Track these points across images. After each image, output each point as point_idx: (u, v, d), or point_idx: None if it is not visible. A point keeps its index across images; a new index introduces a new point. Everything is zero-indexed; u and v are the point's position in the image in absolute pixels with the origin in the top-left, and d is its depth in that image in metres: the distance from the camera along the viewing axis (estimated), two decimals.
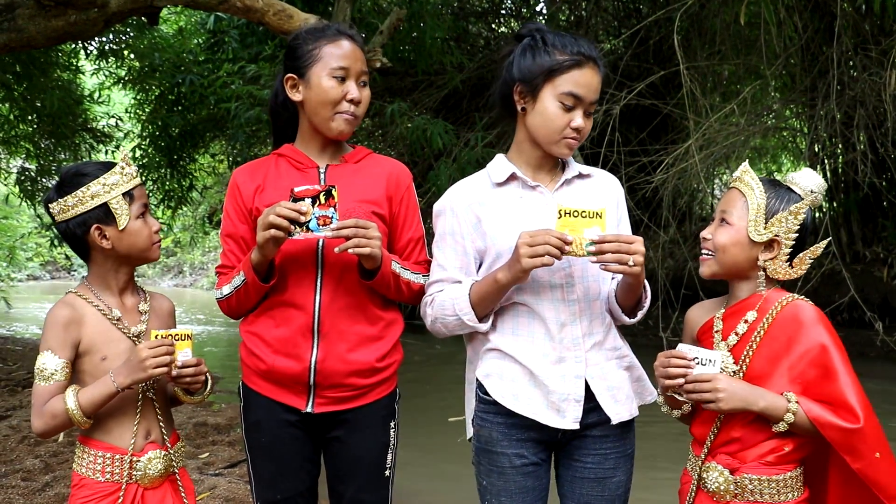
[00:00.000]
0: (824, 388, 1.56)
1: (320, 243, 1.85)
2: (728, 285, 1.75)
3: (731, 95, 8.32)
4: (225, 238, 1.98)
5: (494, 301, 1.77)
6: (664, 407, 1.77)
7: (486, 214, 1.82)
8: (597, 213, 1.62)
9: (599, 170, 1.96)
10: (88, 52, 8.49)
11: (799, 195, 1.66)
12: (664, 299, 7.38)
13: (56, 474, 3.86)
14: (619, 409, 1.80)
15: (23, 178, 9.46)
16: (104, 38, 8.36)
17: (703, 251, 1.72)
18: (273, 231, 1.72)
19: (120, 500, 1.72)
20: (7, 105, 8.63)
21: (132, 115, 10.19)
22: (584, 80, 1.74)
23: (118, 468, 1.73)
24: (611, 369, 1.81)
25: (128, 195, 1.75)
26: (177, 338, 1.73)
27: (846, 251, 8.55)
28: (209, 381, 1.86)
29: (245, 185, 1.94)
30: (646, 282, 1.82)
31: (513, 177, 1.84)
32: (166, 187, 10.13)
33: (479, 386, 1.82)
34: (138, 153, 9.75)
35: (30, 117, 8.87)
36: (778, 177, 1.96)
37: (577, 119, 1.75)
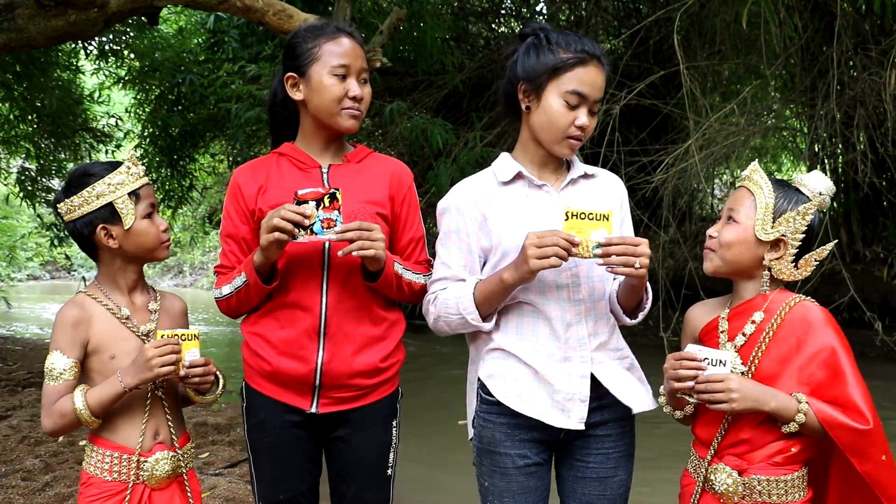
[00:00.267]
0: (833, 390, 1.56)
1: (326, 245, 1.85)
2: (730, 285, 1.74)
3: (731, 95, 8.32)
4: (225, 238, 1.97)
5: (499, 301, 1.77)
6: (666, 407, 1.77)
7: (492, 213, 1.81)
8: (603, 216, 1.62)
9: (603, 170, 1.96)
10: (88, 52, 8.49)
11: (807, 197, 1.66)
12: (664, 299, 7.37)
13: (56, 474, 3.86)
14: (636, 400, 1.80)
15: (23, 177, 9.46)
16: (104, 38, 8.35)
17: (708, 248, 1.72)
18: (277, 234, 1.71)
19: (127, 500, 1.72)
20: (7, 105, 8.62)
21: (132, 115, 10.19)
22: (588, 78, 1.74)
23: (125, 468, 1.73)
24: (615, 368, 1.81)
25: (134, 195, 1.75)
26: (184, 338, 1.73)
27: (846, 251, 8.55)
28: (220, 381, 1.86)
29: (247, 186, 1.93)
30: (648, 284, 1.82)
31: (519, 175, 1.84)
32: (166, 187, 10.12)
33: (482, 386, 1.82)
34: (138, 153, 9.75)
35: (30, 117, 8.86)
36: (781, 178, 1.96)
37: (582, 117, 1.75)
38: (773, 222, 1.64)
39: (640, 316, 1.86)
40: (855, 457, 1.53)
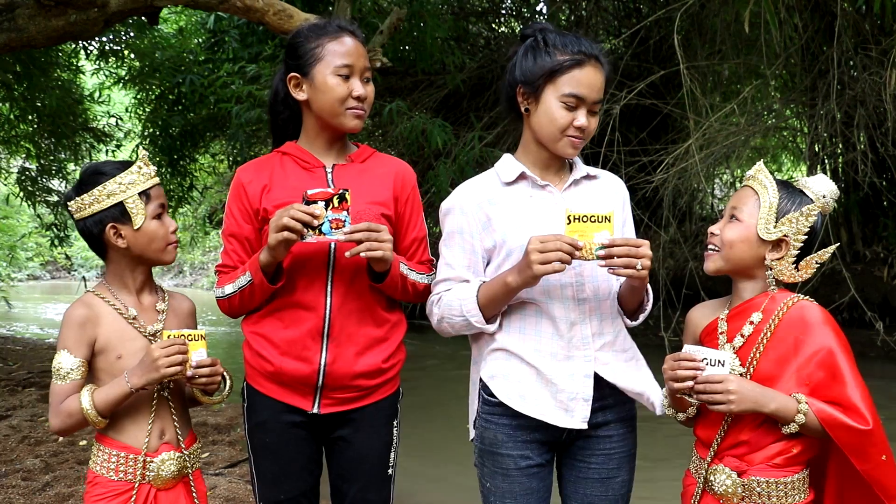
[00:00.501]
0: (832, 391, 1.56)
1: (332, 246, 1.85)
2: (731, 285, 1.74)
3: (731, 95, 8.32)
4: (227, 237, 1.96)
5: (503, 303, 1.77)
6: (669, 409, 1.76)
7: (496, 213, 1.81)
8: (605, 217, 1.62)
9: (605, 171, 1.96)
10: (89, 52, 8.49)
11: (811, 199, 1.66)
12: (665, 299, 7.37)
13: (56, 474, 3.86)
14: (647, 391, 1.80)
15: (23, 177, 9.46)
16: (104, 38, 8.35)
17: (709, 246, 1.72)
18: (286, 233, 1.71)
19: (132, 500, 1.72)
20: (7, 105, 8.62)
21: (132, 115, 10.19)
22: (585, 80, 1.73)
23: (132, 468, 1.73)
24: (622, 367, 1.81)
25: (144, 195, 1.76)
26: (191, 338, 1.73)
27: (846, 251, 8.54)
28: (227, 382, 1.86)
29: (251, 185, 1.92)
30: (648, 285, 1.82)
31: (522, 176, 1.84)
32: (166, 187, 10.12)
33: (484, 387, 1.82)
34: (139, 153, 9.73)
35: (30, 117, 8.86)
36: (781, 177, 1.96)
37: (580, 118, 1.75)
38: (776, 222, 1.64)
39: (641, 318, 1.86)
40: (855, 457, 1.53)
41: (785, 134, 9.21)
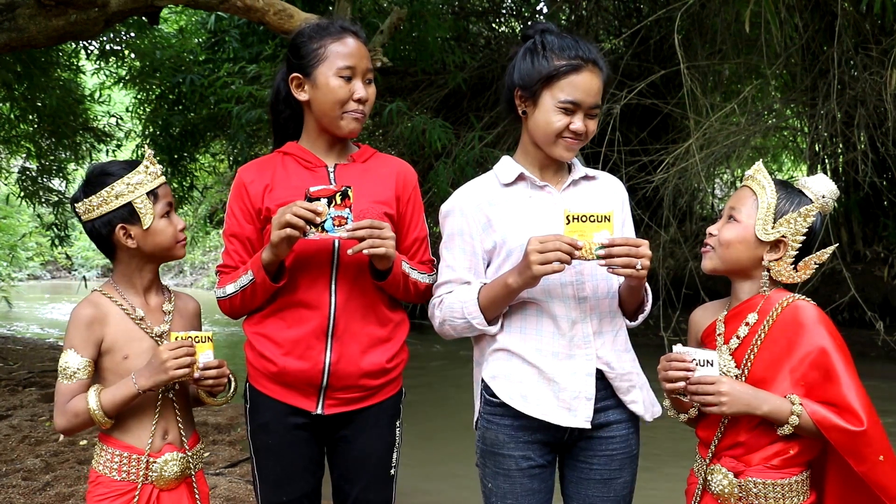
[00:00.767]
0: (826, 391, 1.55)
1: (336, 244, 1.84)
2: (731, 285, 1.74)
3: (731, 95, 8.32)
4: (229, 237, 1.95)
5: (504, 304, 1.77)
6: (671, 411, 1.76)
7: (495, 214, 1.82)
8: (605, 217, 1.62)
9: (603, 172, 1.96)
10: (89, 52, 8.49)
11: (810, 199, 1.65)
12: (665, 299, 7.37)
13: (57, 474, 3.86)
14: (640, 406, 1.80)
15: (23, 177, 9.45)
16: (104, 38, 8.35)
17: (707, 245, 1.72)
18: (289, 230, 1.71)
19: (135, 500, 1.72)
20: (8, 105, 8.62)
21: (133, 115, 10.19)
22: (582, 85, 1.73)
23: (135, 468, 1.73)
24: (623, 365, 1.81)
25: (152, 194, 1.76)
26: (198, 339, 1.73)
27: (847, 250, 8.54)
28: (232, 383, 1.86)
29: (253, 185, 1.91)
30: (647, 285, 1.82)
31: (521, 177, 1.85)
32: None
33: (486, 387, 1.82)
34: (139, 153, 9.75)
35: (30, 117, 8.85)
36: (782, 177, 1.96)
37: (577, 122, 1.75)
38: (774, 223, 1.63)
39: (640, 318, 1.86)
40: (851, 458, 1.52)
41: (785, 134, 9.21)
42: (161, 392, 1.76)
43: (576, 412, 1.74)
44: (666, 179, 6.85)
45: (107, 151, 10.14)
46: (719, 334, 1.69)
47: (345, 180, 1.90)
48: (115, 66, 9.10)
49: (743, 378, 1.62)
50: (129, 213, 1.73)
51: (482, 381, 1.83)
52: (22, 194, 9.47)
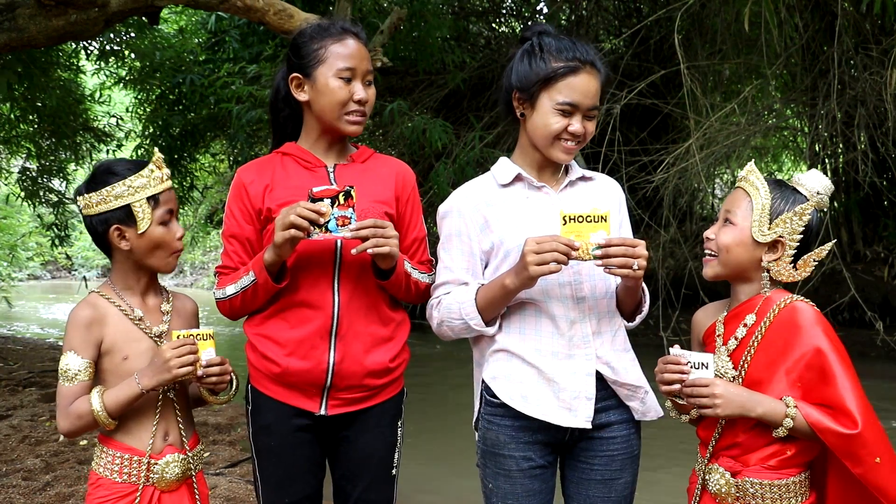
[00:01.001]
0: (823, 392, 1.55)
1: (338, 243, 1.84)
2: (730, 286, 1.74)
3: (731, 95, 8.32)
4: (228, 238, 1.94)
5: (501, 305, 1.77)
6: (672, 412, 1.76)
7: (493, 215, 1.82)
8: (601, 217, 1.62)
9: (600, 174, 1.96)
10: (89, 52, 8.49)
11: (805, 196, 1.64)
12: (664, 299, 7.37)
13: (57, 474, 3.87)
14: (639, 406, 1.81)
15: (24, 177, 9.45)
16: (104, 39, 8.35)
17: (706, 251, 1.71)
18: (293, 231, 1.70)
19: (136, 502, 1.71)
20: (8, 105, 8.62)
21: (133, 115, 10.19)
22: (580, 87, 1.73)
23: (136, 470, 1.72)
24: (623, 364, 1.81)
25: (153, 199, 1.74)
26: (199, 337, 1.72)
27: (847, 251, 8.55)
28: (234, 381, 1.85)
29: (253, 185, 1.91)
30: (644, 286, 1.82)
31: (518, 178, 1.85)
32: None
33: (486, 388, 1.82)
34: (139, 153, 9.75)
35: (31, 117, 8.85)
36: (782, 177, 1.95)
37: (575, 124, 1.75)
38: (770, 224, 1.63)
39: (638, 319, 1.86)
40: (848, 460, 1.52)
41: (785, 134, 9.21)
42: (161, 392, 1.75)
43: (576, 412, 1.74)
44: (666, 179, 6.85)
45: (107, 151, 10.14)
46: (718, 335, 1.69)
47: (345, 180, 1.90)
48: (115, 66, 9.10)
49: (740, 380, 1.62)
50: (126, 215, 1.72)
51: (482, 381, 1.83)
52: (22, 194, 9.47)
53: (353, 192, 1.72)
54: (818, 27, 7.41)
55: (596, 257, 1.62)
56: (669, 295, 7.40)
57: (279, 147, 2.00)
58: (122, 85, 9.41)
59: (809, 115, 7.99)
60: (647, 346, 6.68)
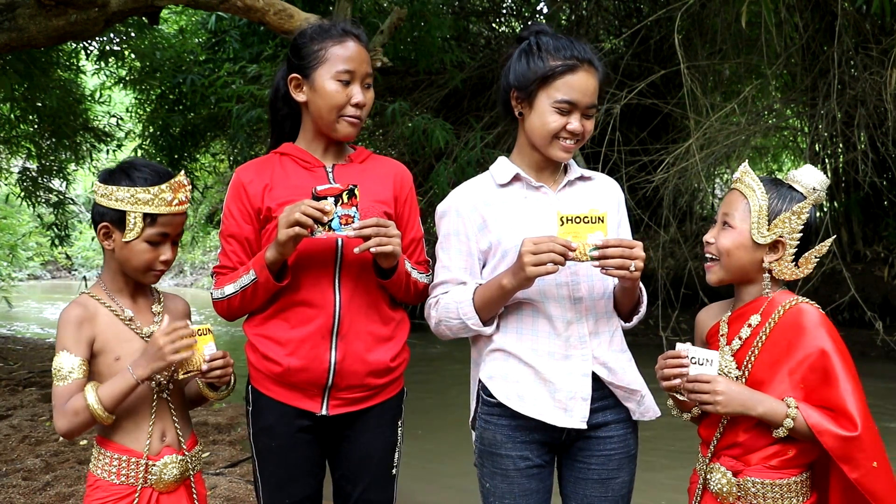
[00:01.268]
0: (824, 394, 1.54)
1: (339, 242, 1.84)
2: (733, 287, 1.74)
3: (731, 95, 8.32)
4: (227, 238, 1.93)
5: (499, 305, 1.77)
6: (674, 410, 1.76)
7: (491, 215, 1.82)
8: (599, 218, 1.62)
9: (599, 173, 1.96)
10: (89, 52, 8.49)
11: (801, 194, 1.64)
12: (664, 299, 7.37)
13: (57, 473, 3.87)
14: (636, 406, 1.81)
15: (24, 177, 9.46)
16: (104, 39, 8.35)
17: (707, 255, 1.71)
18: (297, 229, 1.70)
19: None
20: (8, 105, 8.62)
21: (133, 115, 10.19)
22: (578, 85, 1.73)
23: (134, 471, 1.72)
24: (619, 365, 1.81)
25: (150, 217, 1.73)
26: (199, 332, 1.71)
27: (847, 250, 8.55)
28: (233, 378, 1.84)
29: (252, 185, 1.90)
30: (642, 286, 1.82)
31: (516, 178, 1.85)
32: None
33: (483, 388, 1.82)
34: (139, 153, 9.76)
35: (31, 117, 8.86)
36: (779, 175, 1.95)
37: (573, 123, 1.75)
38: (769, 224, 1.62)
39: (636, 320, 1.86)
40: (845, 464, 1.51)
41: (785, 133, 9.21)
42: (156, 393, 1.75)
43: (571, 412, 1.74)
44: (666, 179, 6.85)
45: (107, 152, 10.15)
46: (722, 335, 1.69)
47: (344, 180, 1.90)
48: (115, 66, 9.10)
49: (743, 380, 1.61)
50: (118, 219, 1.72)
51: (479, 381, 1.83)
52: (22, 194, 9.47)
53: (356, 191, 1.73)
54: (818, 27, 7.41)
55: (593, 258, 1.62)
56: (669, 295, 7.40)
57: (277, 146, 2.00)
58: (122, 85, 9.41)
59: (809, 115, 7.99)
60: (647, 346, 6.67)
